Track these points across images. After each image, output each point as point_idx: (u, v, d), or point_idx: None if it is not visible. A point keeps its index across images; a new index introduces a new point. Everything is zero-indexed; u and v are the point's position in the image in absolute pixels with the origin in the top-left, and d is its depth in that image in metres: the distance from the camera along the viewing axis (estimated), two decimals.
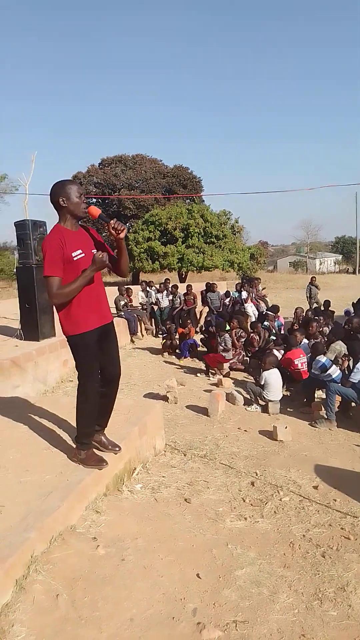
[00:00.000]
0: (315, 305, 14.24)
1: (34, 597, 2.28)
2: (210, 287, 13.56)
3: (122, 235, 2.99)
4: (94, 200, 33.55)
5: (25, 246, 8.06)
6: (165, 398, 6.64)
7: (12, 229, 8.30)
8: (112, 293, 12.16)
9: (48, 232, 8.45)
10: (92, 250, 3.05)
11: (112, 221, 2.94)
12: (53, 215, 3.15)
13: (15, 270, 8.84)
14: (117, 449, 3.41)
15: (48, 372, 7.42)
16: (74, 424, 3.31)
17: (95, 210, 3.00)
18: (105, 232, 2.96)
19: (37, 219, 8.27)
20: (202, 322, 12.75)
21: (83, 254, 2.98)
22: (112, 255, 3.17)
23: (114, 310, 11.66)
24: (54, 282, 2.87)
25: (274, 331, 9.73)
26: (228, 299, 13.39)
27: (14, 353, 6.99)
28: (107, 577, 2.50)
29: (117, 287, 12.61)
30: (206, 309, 13.21)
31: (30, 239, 7.96)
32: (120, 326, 11.25)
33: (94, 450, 3.31)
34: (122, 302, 11.91)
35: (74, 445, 3.37)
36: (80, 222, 3.11)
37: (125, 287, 12.97)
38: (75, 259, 2.94)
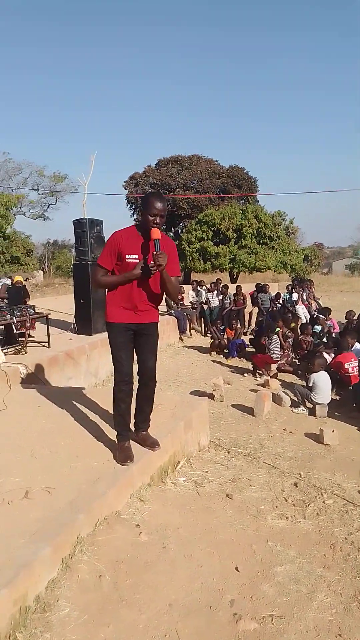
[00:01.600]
0: None
1: (78, 575, 2.40)
2: (261, 288, 13.47)
3: (159, 269, 3.06)
4: None
5: (82, 244, 8.36)
6: (211, 396, 6.69)
7: (70, 228, 8.64)
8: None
9: (103, 231, 8.77)
10: (152, 261, 3.15)
11: (155, 252, 3.04)
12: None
13: (72, 266, 9.17)
14: (156, 447, 3.47)
15: (99, 366, 7.66)
16: None
17: (155, 235, 3.06)
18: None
19: (95, 218, 8.55)
20: (253, 322, 12.71)
21: (138, 260, 3.13)
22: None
23: (164, 308, 11.82)
24: (98, 270, 3.25)
25: (322, 335, 9.56)
26: (279, 300, 13.25)
27: (68, 346, 7.27)
28: (148, 562, 2.59)
29: None
30: (256, 310, 13.13)
31: (87, 237, 8.25)
32: (170, 324, 11.40)
33: (130, 444, 3.37)
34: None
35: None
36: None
37: None
38: (127, 260, 3.13)
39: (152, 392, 3.48)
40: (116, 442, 3.40)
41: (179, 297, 12.39)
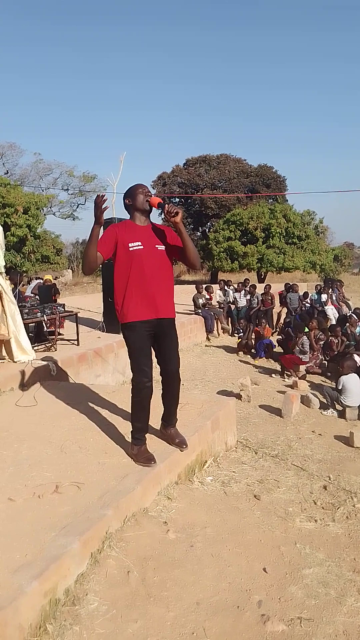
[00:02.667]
0: None
1: (107, 570, 2.42)
2: (291, 287, 13.34)
3: (177, 218, 2.99)
4: (177, 199, 34.06)
5: None
6: (238, 396, 6.67)
7: None
8: (191, 291, 12.37)
9: None
10: (156, 246, 3.15)
11: (167, 206, 3.00)
12: None
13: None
14: (184, 447, 3.43)
15: (127, 364, 7.67)
16: None
17: (155, 200, 3.09)
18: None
19: (124, 218, 8.61)
20: (281, 322, 12.59)
21: (142, 247, 3.11)
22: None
23: (192, 308, 11.83)
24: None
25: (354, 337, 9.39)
26: (307, 299, 13.11)
27: (97, 344, 7.36)
28: (176, 560, 2.60)
29: (194, 285, 12.77)
30: (285, 310, 13.02)
31: None
32: (197, 324, 11.40)
33: (146, 447, 3.30)
34: (201, 301, 12.03)
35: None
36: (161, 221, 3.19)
37: (205, 285, 13.10)
38: (131, 248, 3.11)
39: (178, 390, 3.43)
40: (132, 445, 3.29)
41: (208, 295, 12.36)
